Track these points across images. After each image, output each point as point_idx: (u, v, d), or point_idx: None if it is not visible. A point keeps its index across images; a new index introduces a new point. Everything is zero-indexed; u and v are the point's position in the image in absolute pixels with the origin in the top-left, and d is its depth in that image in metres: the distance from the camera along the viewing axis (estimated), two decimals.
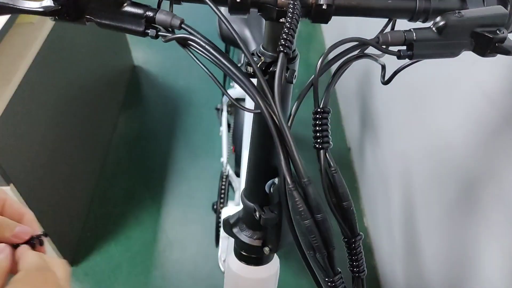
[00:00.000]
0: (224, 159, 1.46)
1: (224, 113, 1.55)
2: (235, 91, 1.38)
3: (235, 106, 1.32)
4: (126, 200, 1.69)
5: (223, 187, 1.29)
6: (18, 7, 0.36)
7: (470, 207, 0.85)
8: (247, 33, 0.87)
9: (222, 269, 1.06)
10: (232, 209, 1.05)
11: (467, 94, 0.84)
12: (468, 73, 0.83)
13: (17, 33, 1.18)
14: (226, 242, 1.04)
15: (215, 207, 1.34)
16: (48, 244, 1.31)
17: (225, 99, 1.56)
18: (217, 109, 1.70)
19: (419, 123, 1.11)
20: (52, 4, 0.36)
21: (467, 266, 0.87)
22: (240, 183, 1.26)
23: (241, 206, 0.59)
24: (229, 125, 1.52)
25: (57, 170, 1.37)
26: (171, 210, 1.66)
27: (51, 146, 1.32)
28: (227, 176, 1.32)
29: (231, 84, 1.53)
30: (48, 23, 1.25)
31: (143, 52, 2.39)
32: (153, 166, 1.83)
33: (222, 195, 1.28)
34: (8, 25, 1.11)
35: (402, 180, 1.24)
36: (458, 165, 0.89)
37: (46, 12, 0.36)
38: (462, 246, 0.89)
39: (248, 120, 1.13)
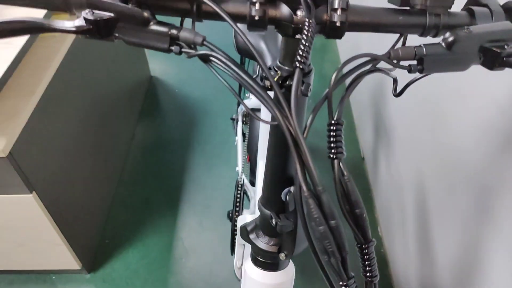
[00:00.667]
0: (239, 168, 1.48)
1: (239, 123, 1.58)
2: (250, 101, 1.41)
3: (251, 117, 1.34)
4: (143, 207, 1.73)
5: (238, 195, 1.31)
6: (53, 27, 0.39)
7: (483, 217, 0.86)
8: (262, 46, 0.89)
9: (238, 276, 1.07)
10: (247, 217, 1.07)
11: (481, 107, 0.85)
12: (483, 87, 0.84)
13: (41, 45, 1.23)
14: (242, 250, 1.06)
15: (230, 215, 1.36)
16: (67, 250, 1.34)
17: (240, 109, 1.59)
18: (232, 119, 1.73)
19: (432, 134, 1.12)
20: (84, 24, 0.38)
21: (480, 276, 0.88)
22: (255, 192, 1.28)
23: (257, 214, 0.61)
24: (244, 135, 1.54)
25: (77, 178, 1.40)
26: (187, 218, 1.69)
27: (72, 155, 1.36)
28: (242, 185, 1.34)
29: (246, 95, 1.55)
30: (70, 36, 1.30)
31: (160, 64, 2.44)
32: (169, 174, 1.87)
33: (238, 204, 1.30)
34: (32, 38, 1.15)
35: (416, 190, 1.24)
36: (471, 176, 0.90)
37: (78, 31, 0.38)
38: (475, 256, 0.90)
39: (262, 130, 1.16)
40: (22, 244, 1.32)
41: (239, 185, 1.34)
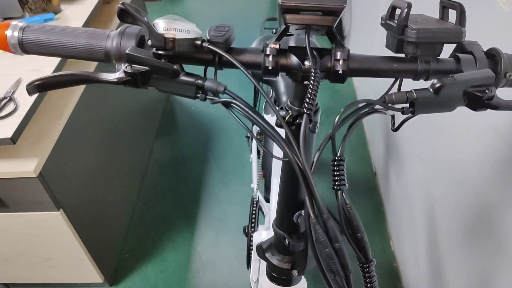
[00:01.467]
0: (254, 185, 1.53)
1: (254, 141, 1.63)
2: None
3: (266, 137, 1.39)
4: (161, 223, 1.79)
5: (253, 212, 1.36)
6: (99, 78, 0.46)
7: (490, 233, 0.89)
8: (279, 78, 0.96)
9: None
10: (262, 233, 1.12)
11: (481, 130, 0.90)
12: (484, 112, 0.88)
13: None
14: (257, 264, 1.11)
15: (246, 230, 1.41)
16: (91, 264, 1.41)
17: (255, 127, 1.65)
18: (247, 137, 1.78)
19: (438, 153, 1.16)
20: (124, 76, 0.45)
21: None
22: (269, 208, 1.33)
23: (271, 230, 0.67)
24: (258, 152, 1.59)
25: (100, 196, 1.48)
26: (204, 233, 1.75)
27: (95, 174, 1.43)
28: (257, 201, 1.39)
29: (263, 113, 1.61)
30: (92, 64, 1.38)
31: None
32: (186, 190, 1.93)
33: (253, 220, 1.34)
34: (60, 65, 1.24)
35: (425, 206, 1.28)
36: (476, 195, 0.94)
37: (119, 82, 0.45)
38: (483, 271, 0.93)
39: (276, 150, 1.21)
40: (49, 258, 1.39)
41: (254, 202, 1.39)
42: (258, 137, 1.64)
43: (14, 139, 1.01)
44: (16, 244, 1.33)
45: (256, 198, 1.39)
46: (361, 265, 0.48)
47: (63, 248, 1.34)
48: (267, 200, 1.41)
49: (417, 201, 1.36)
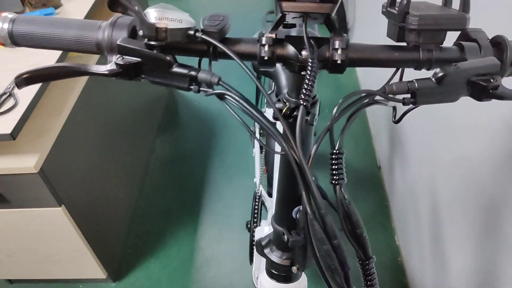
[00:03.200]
0: (257, 179, 1.52)
1: (257, 135, 1.62)
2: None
3: (263, 145, 1.38)
4: (164, 219, 1.78)
5: (256, 207, 1.35)
6: (89, 70, 0.44)
7: (495, 227, 0.88)
8: (278, 66, 0.94)
9: (257, 286, 1.11)
10: (265, 228, 1.11)
11: (488, 122, 0.88)
12: (490, 103, 0.86)
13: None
14: (260, 260, 1.10)
15: (249, 226, 1.40)
16: (93, 260, 1.40)
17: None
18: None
19: (444, 146, 1.15)
20: (115, 68, 0.44)
21: (495, 284, 0.90)
22: (272, 203, 1.32)
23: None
24: (261, 147, 1.58)
25: (101, 191, 1.47)
26: (207, 228, 1.74)
27: (97, 170, 1.43)
28: (260, 196, 1.38)
29: (263, 109, 1.60)
30: (93, 57, 1.37)
31: None
32: (189, 186, 1.92)
33: (255, 215, 1.34)
34: (60, 59, 1.23)
35: (431, 200, 1.27)
36: (482, 187, 0.93)
37: (110, 74, 0.44)
38: (489, 265, 0.92)
39: (277, 144, 1.20)
40: (51, 254, 1.39)
41: (257, 197, 1.38)
42: (261, 131, 1.63)
43: (14, 134, 1.00)
44: (19, 240, 1.33)
45: (258, 193, 1.38)
46: (360, 262, 0.47)
47: (66, 244, 1.34)
48: (270, 195, 1.40)
49: (422, 195, 1.34)
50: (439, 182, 1.19)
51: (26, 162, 1.06)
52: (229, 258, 1.64)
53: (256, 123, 1.64)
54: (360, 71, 2.50)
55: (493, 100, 0.43)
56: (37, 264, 1.45)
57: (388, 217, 1.74)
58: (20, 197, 1.16)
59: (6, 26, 0.46)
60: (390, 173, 1.77)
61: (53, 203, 1.17)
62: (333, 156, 0.43)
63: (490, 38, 0.46)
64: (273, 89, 1.36)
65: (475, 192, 0.96)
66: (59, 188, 1.17)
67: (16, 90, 1.09)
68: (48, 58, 1.16)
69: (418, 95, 0.43)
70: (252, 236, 1.34)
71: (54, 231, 1.28)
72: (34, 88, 1.09)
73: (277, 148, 0.52)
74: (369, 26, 2.23)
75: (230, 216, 1.78)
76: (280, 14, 0.44)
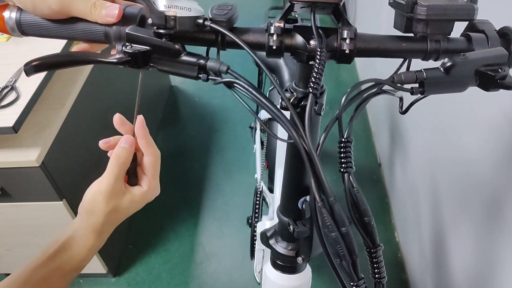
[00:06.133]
0: (258, 175, 1.52)
1: (258, 131, 1.62)
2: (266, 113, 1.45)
3: (270, 126, 1.38)
4: (164, 214, 1.78)
5: (257, 202, 1.35)
6: (97, 59, 0.44)
7: (496, 224, 0.88)
8: (281, 62, 0.95)
9: (258, 280, 1.12)
10: (266, 223, 1.12)
11: (489, 116, 0.88)
12: (491, 96, 0.87)
13: None
14: (261, 255, 1.11)
15: (250, 221, 1.41)
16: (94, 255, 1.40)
17: (259, 114, 1.64)
18: (251, 127, 1.78)
19: (445, 141, 1.15)
20: (124, 56, 0.44)
21: (495, 282, 0.90)
22: (273, 199, 1.32)
23: (275, 220, 0.66)
24: (262, 143, 1.59)
25: None
26: (207, 224, 1.74)
27: (98, 164, 1.42)
28: (261, 191, 1.39)
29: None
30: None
31: None
32: (190, 181, 1.92)
33: (257, 210, 1.34)
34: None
35: (431, 196, 1.27)
36: (483, 182, 0.93)
37: (119, 62, 0.44)
38: (489, 262, 0.92)
39: (281, 135, 1.20)
40: None
41: (258, 192, 1.38)
42: (261, 128, 1.64)
43: (16, 128, 1.00)
44: (19, 235, 1.33)
45: (259, 188, 1.38)
46: (368, 250, 0.47)
47: None
48: (271, 190, 1.41)
49: (423, 191, 1.35)
50: (440, 178, 1.20)
51: (28, 156, 1.06)
52: (229, 253, 1.64)
53: (256, 120, 1.64)
54: (360, 68, 2.50)
55: (494, 94, 0.44)
56: None
57: (388, 214, 1.74)
58: (21, 191, 1.16)
59: (14, 15, 0.46)
60: (390, 169, 1.78)
61: (54, 197, 1.17)
62: (342, 145, 0.44)
63: (497, 29, 0.47)
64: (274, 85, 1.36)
65: (476, 187, 0.97)
66: (60, 182, 1.17)
67: (18, 84, 1.08)
68: (49, 52, 1.15)
69: (426, 85, 0.43)
70: (253, 231, 1.34)
71: (54, 226, 1.27)
72: (36, 81, 1.09)
73: (282, 137, 0.51)
74: (369, 23, 2.23)
75: (230, 212, 1.79)
76: (288, 4, 0.44)
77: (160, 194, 0.58)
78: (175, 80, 2.46)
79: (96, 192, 0.52)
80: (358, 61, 2.54)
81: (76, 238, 0.52)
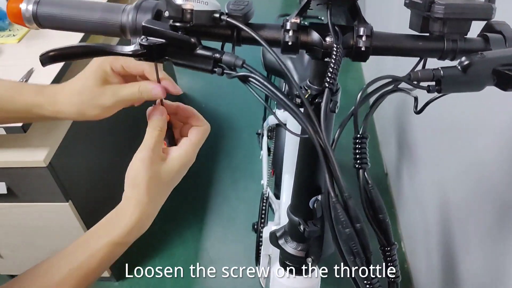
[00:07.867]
0: (264, 181, 1.52)
1: (265, 138, 1.62)
2: (278, 115, 1.46)
3: (277, 132, 1.38)
4: (170, 218, 1.78)
5: (263, 208, 1.35)
6: (113, 50, 0.44)
7: (508, 237, 0.87)
8: (290, 65, 0.95)
9: (263, 285, 1.11)
10: (272, 228, 1.11)
11: (500, 126, 0.87)
12: (504, 104, 0.86)
13: (79, 62, 1.30)
14: (267, 260, 1.10)
15: (255, 227, 1.40)
16: None
17: (265, 124, 1.64)
18: (258, 134, 1.78)
19: (455, 151, 1.14)
20: (140, 48, 0.44)
21: None
22: (279, 205, 1.32)
23: (284, 222, 0.66)
24: (269, 149, 1.58)
25: (108, 189, 1.47)
26: (212, 229, 1.74)
27: (104, 167, 1.43)
28: (267, 197, 1.38)
29: (274, 110, 1.60)
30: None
31: (187, 80, 2.52)
32: (196, 187, 1.92)
33: (263, 216, 1.34)
34: None
35: (439, 207, 1.26)
36: (496, 194, 0.91)
37: (134, 54, 0.44)
38: (499, 276, 0.90)
39: (288, 146, 1.20)
40: (56, 250, 1.36)
41: (264, 198, 1.38)
42: (269, 133, 1.64)
43: (25, 128, 1.01)
44: (23, 236, 1.33)
45: (266, 194, 1.38)
46: (382, 248, 0.46)
47: (71, 241, 1.32)
48: (277, 196, 1.40)
49: (431, 201, 1.33)
50: (449, 188, 1.18)
51: (36, 156, 1.06)
52: (233, 259, 1.63)
53: (265, 125, 1.65)
54: (367, 72, 2.50)
55: (507, 101, 0.43)
56: (41, 259, 1.43)
57: (394, 224, 1.73)
58: (28, 191, 1.16)
59: (31, 7, 0.46)
60: (397, 179, 1.76)
61: (60, 198, 1.17)
62: (357, 141, 0.43)
63: None
64: (283, 89, 1.36)
65: (487, 197, 0.95)
66: (67, 183, 1.16)
67: None
68: None
69: (443, 83, 0.43)
70: (259, 237, 1.34)
71: (59, 227, 1.27)
72: (46, 82, 1.09)
73: (293, 142, 0.51)
74: (379, 22, 2.23)
75: (235, 218, 1.78)
76: (305, 0, 0.44)
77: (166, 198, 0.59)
78: (183, 87, 2.47)
79: (137, 159, 0.55)
80: (366, 70, 2.54)
81: (123, 209, 0.54)
